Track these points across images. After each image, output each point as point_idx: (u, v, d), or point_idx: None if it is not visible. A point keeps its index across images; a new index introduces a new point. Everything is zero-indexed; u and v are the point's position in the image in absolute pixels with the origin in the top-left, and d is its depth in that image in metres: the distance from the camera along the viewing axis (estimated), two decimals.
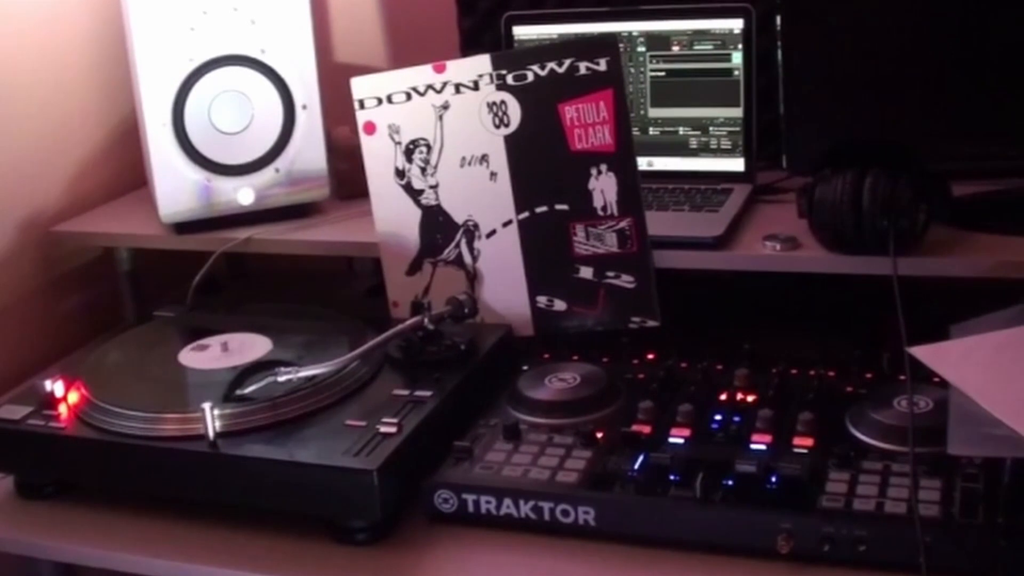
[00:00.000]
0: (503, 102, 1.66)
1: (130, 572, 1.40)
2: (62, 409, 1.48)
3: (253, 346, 1.60)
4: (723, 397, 1.50)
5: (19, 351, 1.87)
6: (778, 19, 1.71)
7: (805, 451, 1.35)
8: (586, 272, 1.67)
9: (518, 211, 1.68)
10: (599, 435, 1.42)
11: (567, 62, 1.64)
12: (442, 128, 1.69)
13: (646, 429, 1.42)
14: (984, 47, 1.63)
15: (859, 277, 1.55)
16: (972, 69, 1.63)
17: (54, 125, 1.97)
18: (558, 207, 1.67)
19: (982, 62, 1.62)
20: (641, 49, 1.86)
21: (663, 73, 1.86)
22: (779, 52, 1.71)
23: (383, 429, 1.37)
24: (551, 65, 1.65)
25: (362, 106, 1.70)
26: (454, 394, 1.48)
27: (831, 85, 1.70)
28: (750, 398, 1.49)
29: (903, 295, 1.40)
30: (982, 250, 1.54)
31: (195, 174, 1.83)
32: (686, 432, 1.41)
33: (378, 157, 1.71)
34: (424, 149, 1.69)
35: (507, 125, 1.67)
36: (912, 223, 1.51)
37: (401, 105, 1.69)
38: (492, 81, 1.66)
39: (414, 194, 1.71)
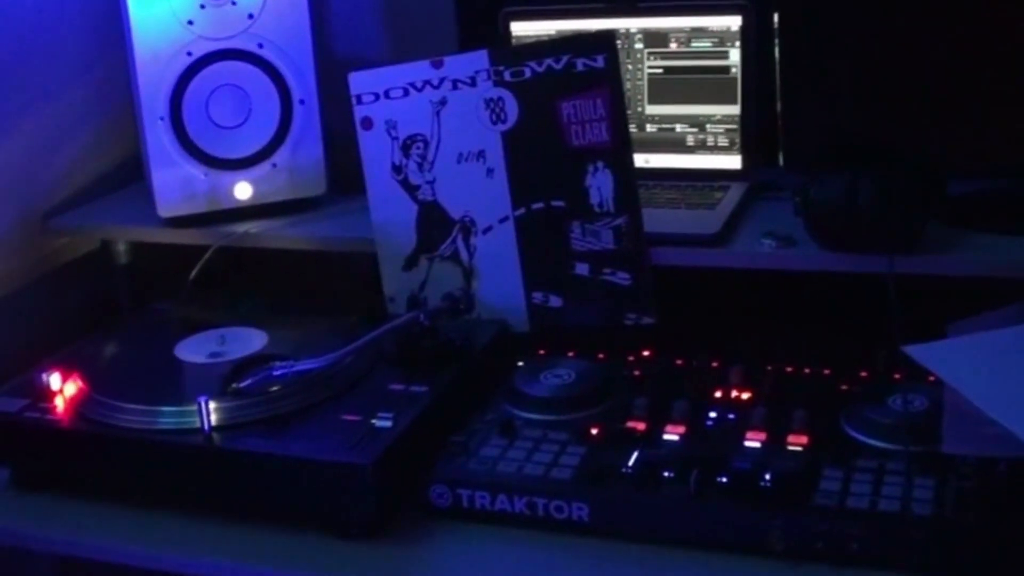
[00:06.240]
0: (500, 98, 1.66)
1: (125, 563, 1.41)
2: (58, 402, 1.49)
3: (249, 340, 1.60)
4: (718, 394, 1.50)
5: (16, 344, 1.86)
6: (776, 16, 1.71)
7: (800, 449, 1.36)
8: (582, 269, 1.67)
9: (515, 207, 1.68)
10: (594, 431, 1.42)
11: (565, 59, 1.64)
12: (439, 124, 1.69)
13: (641, 426, 1.43)
14: (981, 44, 1.63)
15: (855, 275, 1.55)
16: (970, 66, 1.63)
17: (51, 118, 1.97)
18: (555, 204, 1.67)
19: (980, 59, 1.62)
20: (639, 46, 1.86)
21: (660, 70, 1.86)
22: (777, 49, 1.71)
23: (378, 424, 1.38)
24: (548, 61, 1.65)
25: (359, 101, 1.70)
26: (450, 389, 1.48)
27: (829, 83, 1.69)
28: (745, 396, 1.49)
29: (899, 293, 1.40)
30: (979, 249, 1.54)
31: (192, 168, 1.83)
32: (681, 429, 1.41)
33: (375, 152, 1.71)
34: (421, 145, 1.69)
35: (504, 121, 1.67)
36: (909, 221, 1.51)
37: (399, 100, 1.69)
38: (490, 77, 1.66)
39: (411, 190, 1.71)
